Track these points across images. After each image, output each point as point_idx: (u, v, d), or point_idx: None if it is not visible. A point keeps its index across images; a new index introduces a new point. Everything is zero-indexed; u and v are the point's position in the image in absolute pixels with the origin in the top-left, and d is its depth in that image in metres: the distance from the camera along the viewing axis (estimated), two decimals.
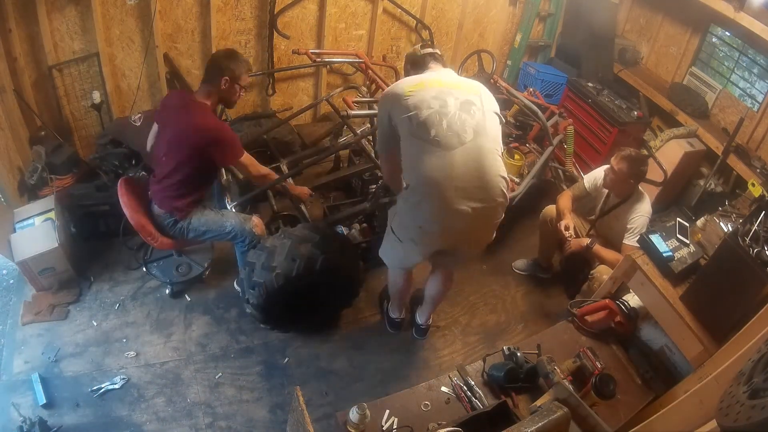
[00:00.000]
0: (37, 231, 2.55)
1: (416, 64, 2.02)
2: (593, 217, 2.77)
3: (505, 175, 1.87)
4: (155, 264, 2.70)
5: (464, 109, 1.82)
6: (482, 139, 1.81)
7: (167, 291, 2.64)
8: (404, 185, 1.94)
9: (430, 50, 2.02)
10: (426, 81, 1.89)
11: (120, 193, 2.27)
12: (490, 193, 1.82)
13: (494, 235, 2.03)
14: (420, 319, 2.63)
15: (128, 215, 2.24)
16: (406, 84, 1.89)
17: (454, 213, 1.79)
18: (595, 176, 2.72)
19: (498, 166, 1.85)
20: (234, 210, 2.47)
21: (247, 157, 2.24)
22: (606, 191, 2.69)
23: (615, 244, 2.60)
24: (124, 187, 2.29)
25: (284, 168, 2.74)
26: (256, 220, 2.37)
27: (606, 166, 2.62)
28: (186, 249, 2.72)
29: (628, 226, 2.52)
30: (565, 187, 3.11)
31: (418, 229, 1.92)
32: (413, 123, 1.79)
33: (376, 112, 2.34)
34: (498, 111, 1.94)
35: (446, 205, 1.78)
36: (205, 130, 2.10)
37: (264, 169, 2.36)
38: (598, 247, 2.55)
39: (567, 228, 2.58)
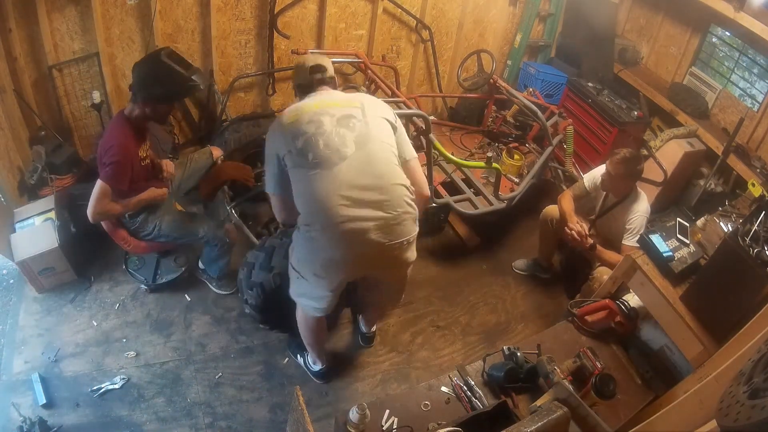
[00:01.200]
0: (38, 231, 2.55)
1: (303, 89, 1.87)
2: (593, 216, 2.77)
3: (407, 183, 1.74)
4: (136, 260, 2.69)
5: (342, 125, 1.71)
6: (370, 147, 1.70)
7: (142, 288, 2.64)
8: (298, 223, 1.78)
9: (319, 75, 1.84)
10: (301, 108, 1.76)
11: None
12: (390, 200, 1.67)
13: (414, 254, 1.85)
14: (364, 328, 2.56)
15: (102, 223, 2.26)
16: (284, 119, 1.75)
17: (350, 233, 1.64)
18: (594, 175, 2.72)
19: (395, 173, 1.72)
20: (233, 211, 2.47)
21: (101, 187, 2.07)
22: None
23: (613, 244, 2.60)
24: None
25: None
26: (229, 227, 2.39)
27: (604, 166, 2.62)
28: (166, 250, 2.69)
29: (627, 227, 2.51)
30: (564, 187, 3.11)
31: (320, 262, 1.75)
32: (293, 155, 1.68)
33: None
34: (389, 117, 1.81)
35: (339, 224, 1.63)
36: (100, 144, 2.08)
37: (100, 214, 2.14)
38: (600, 248, 2.54)
39: (576, 229, 2.53)
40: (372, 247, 1.69)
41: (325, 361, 2.36)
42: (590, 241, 2.55)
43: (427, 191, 1.95)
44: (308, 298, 1.93)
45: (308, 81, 1.85)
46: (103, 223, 2.26)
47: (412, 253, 1.85)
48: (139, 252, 2.46)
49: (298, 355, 2.43)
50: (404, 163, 1.82)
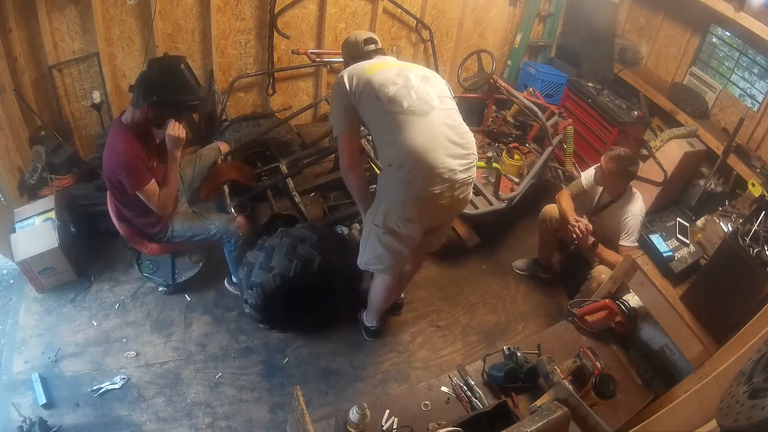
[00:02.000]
0: (37, 231, 2.55)
1: (358, 58, 2.05)
2: (589, 214, 2.77)
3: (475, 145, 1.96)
4: (149, 263, 2.70)
5: (425, 82, 1.92)
6: (448, 104, 1.93)
7: (160, 289, 2.64)
8: (385, 164, 1.89)
9: (372, 47, 2.08)
10: (383, 62, 1.96)
11: (109, 203, 2.28)
12: (471, 161, 1.91)
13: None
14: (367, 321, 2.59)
15: (117, 226, 2.26)
16: (365, 66, 1.94)
17: (447, 181, 1.82)
18: (591, 174, 2.72)
19: (470, 133, 1.94)
20: (232, 210, 2.46)
21: (150, 188, 2.07)
22: (600, 189, 2.69)
23: (608, 243, 2.59)
24: (111, 197, 2.28)
25: (284, 168, 2.74)
26: (240, 220, 2.38)
27: None
28: (180, 251, 2.70)
29: (623, 227, 2.51)
30: (564, 186, 3.11)
31: (416, 202, 1.87)
32: (383, 100, 1.83)
33: None
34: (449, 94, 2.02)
35: (439, 168, 1.80)
36: (108, 157, 2.04)
37: (165, 206, 2.19)
38: (602, 247, 2.54)
39: (579, 226, 2.51)
40: (457, 197, 1.90)
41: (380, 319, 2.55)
42: (592, 238, 2.55)
43: None
44: (394, 254, 2.02)
45: (363, 52, 2.05)
46: (119, 228, 2.26)
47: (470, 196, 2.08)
48: (156, 254, 2.46)
49: (359, 315, 2.59)
50: None
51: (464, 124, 1.94)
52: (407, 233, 1.95)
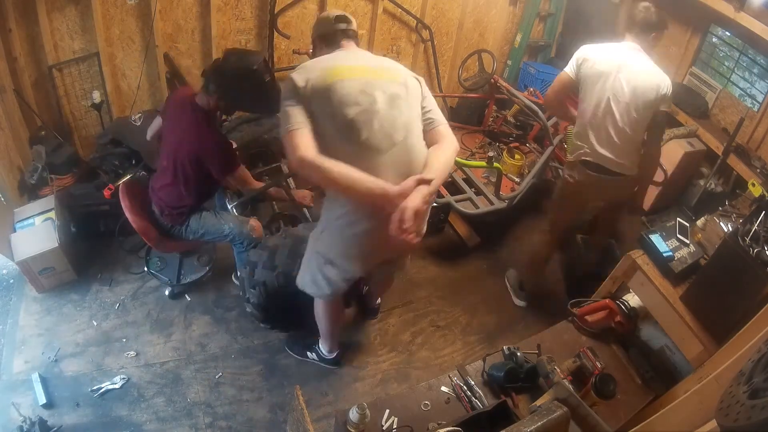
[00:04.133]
0: (37, 231, 2.55)
1: (326, 39, 1.73)
2: None
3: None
4: (158, 260, 2.70)
5: (393, 105, 1.58)
6: (412, 139, 1.61)
7: (167, 292, 2.64)
8: (330, 205, 1.71)
9: (343, 26, 1.71)
10: (350, 67, 1.61)
11: (121, 196, 2.27)
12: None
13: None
14: (369, 302, 2.61)
15: (130, 219, 2.24)
16: (328, 67, 1.59)
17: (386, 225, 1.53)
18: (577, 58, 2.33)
19: (423, 158, 1.62)
20: (234, 211, 2.47)
21: (241, 172, 2.16)
22: None
23: None
24: (125, 190, 2.29)
25: (284, 168, 2.74)
26: (254, 222, 2.37)
27: None
28: (189, 250, 2.72)
29: None
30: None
31: (358, 239, 1.68)
32: (338, 122, 1.52)
33: None
34: (421, 95, 1.69)
35: (378, 217, 1.53)
36: (199, 144, 2.06)
37: (257, 184, 2.30)
38: None
39: None
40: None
41: (337, 346, 2.40)
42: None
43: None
44: (333, 281, 1.84)
45: (331, 31, 1.71)
46: (133, 223, 2.24)
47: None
48: (167, 251, 2.47)
49: (307, 353, 2.43)
50: (435, 129, 1.70)
51: (424, 152, 1.63)
52: (348, 269, 1.79)
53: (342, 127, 1.53)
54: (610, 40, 2.33)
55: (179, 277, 2.67)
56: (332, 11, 1.80)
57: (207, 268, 2.71)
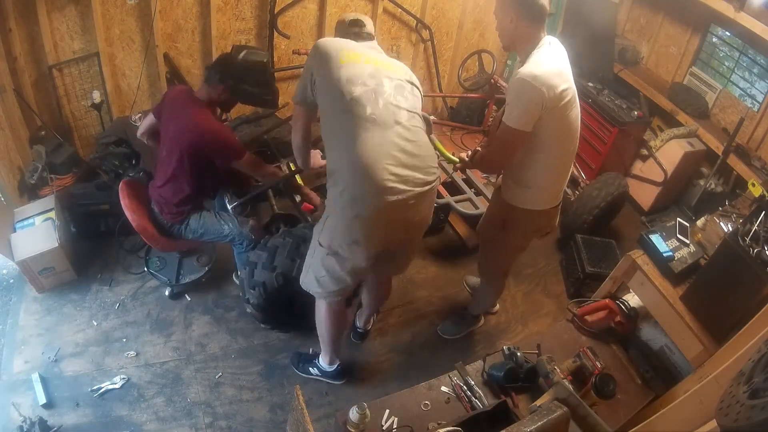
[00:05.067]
0: (37, 231, 2.55)
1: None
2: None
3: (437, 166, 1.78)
4: (157, 260, 2.70)
5: (399, 92, 1.72)
6: (416, 121, 1.73)
7: (167, 292, 2.64)
8: (328, 172, 1.73)
9: (357, 29, 1.86)
10: (363, 54, 1.74)
11: (121, 195, 2.27)
12: (429, 162, 1.72)
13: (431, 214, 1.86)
14: (359, 322, 2.54)
15: (130, 218, 2.24)
16: (342, 49, 1.73)
17: (393, 185, 1.62)
18: None
19: (434, 156, 1.76)
20: (233, 210, 2.47)
21: (249, 157, 2.19)
22: None
23: None
24: (125, 189, 2.29)
25: (285, 168, 2.74)
26: (253, 223, 2.38)
27: None
28: (189, 250, 2.71)
29: None
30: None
31: (361, 222, 1.68)
32: (345, 97, 1.64)
33: None
34: (420, 103, 1.83)
35: (384, 182, 1.60)
36: (201, 132, 2.07)
37: (269, 168, 2.33)
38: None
39: None
40: (411, 218, 1.74)
41: (339, 357, 2.32)
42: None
43: None
44: (336, 277, 1.84)
45: (346, 35, 1.86)
46: (132, 223, 2.23)
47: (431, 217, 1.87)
48: (166, 250, 2.46)
49: (310, 369, 2.36)
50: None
51: (430, 145, 1.77)
52: (352, 258, 1.76)
53: (349, 101, 1.64)
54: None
55: (179, 277, 2.67)
56: (348, 15, 1.93)
57: (207, 268, 2.71)
